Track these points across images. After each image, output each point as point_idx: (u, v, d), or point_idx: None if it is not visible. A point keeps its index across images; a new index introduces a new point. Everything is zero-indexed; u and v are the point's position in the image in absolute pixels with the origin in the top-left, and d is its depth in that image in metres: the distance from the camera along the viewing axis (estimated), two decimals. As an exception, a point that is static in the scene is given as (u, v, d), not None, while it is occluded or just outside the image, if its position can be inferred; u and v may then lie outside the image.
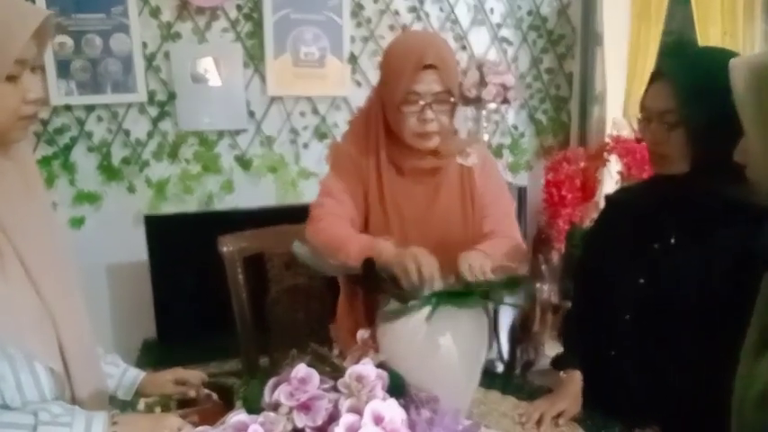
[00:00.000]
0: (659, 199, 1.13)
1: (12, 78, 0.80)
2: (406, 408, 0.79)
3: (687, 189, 1.06)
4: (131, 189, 2.32)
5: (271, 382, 0.77)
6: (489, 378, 1.22)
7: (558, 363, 1.25)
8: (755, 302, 0.83)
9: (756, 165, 0.79)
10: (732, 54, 1.04)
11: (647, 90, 1.09)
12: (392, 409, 0.74)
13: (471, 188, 1.36)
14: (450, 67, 1.26)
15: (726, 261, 1.01)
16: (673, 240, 1.10)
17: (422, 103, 1.23)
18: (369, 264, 1.00)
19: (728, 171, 0.95)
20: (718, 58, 1.01)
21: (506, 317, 2.59)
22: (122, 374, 1.08)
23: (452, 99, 1.25)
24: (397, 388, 0.86)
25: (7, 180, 0.86)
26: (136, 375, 1.10)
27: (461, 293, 0.98)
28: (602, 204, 2.60)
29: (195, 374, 1.10)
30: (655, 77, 1.07)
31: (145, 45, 2.26)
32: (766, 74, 0.74)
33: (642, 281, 1.11)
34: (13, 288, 0.82)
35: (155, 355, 2.16)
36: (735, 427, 0.83)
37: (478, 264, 1.09)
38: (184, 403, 1.06)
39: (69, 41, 2.18)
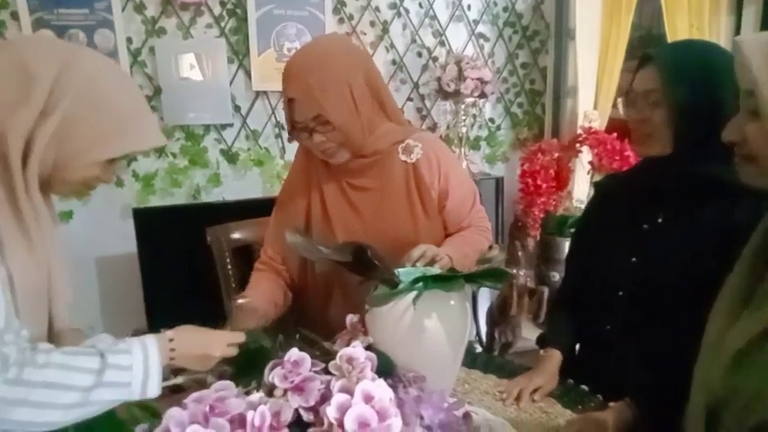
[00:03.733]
0: (646, 182, 1.17)
1: (110, 161, 0.93)
2: (394, 387, 0.83)
3: (672, 170, 1.10)
4: (119, 183, 2.33)
5: (269, 365, 0.81)
6: (471, 358, 1.27)
7: (542, 341, 1.30)
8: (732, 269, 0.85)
9: None
10: (713, 44, 1.13)
11: (634, 74, 1.13)
12: (381, 389, 0.77)
13: (418, 184, 1.32)
14: (316, 93, 1.18)
15: (712, 236, 1.05)
16: (660, 220, 1.14)
17: (305, 129, 1.23)
18: (359, 250, 1.02)
19: (709, 152, 1.00)
20: (700, 46, 1.14)
21: (485, 301, 2.69)
22: None
23: (329, 120, 1.19)
24: (386, 369, 0.90)
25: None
26: None
27: (446, 277, 1.02)
28: (575, 193, 2.72)
29: None
30: (642, 63, 1.12)
31: (130, 40, 2.27)
32: None
33: (634, 260, 1.16)
34: (36, 268, 0.88)
35: (145, 345, 2.20)
36: (699, 392, 0.85)
37: (431, 253, 1.13)
38: (174, 390, 1.06)
39: (52, 36, 2.18)
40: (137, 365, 0.86)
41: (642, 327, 1.15)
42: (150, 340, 0.90)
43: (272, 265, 1.45)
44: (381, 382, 0.80)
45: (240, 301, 1.31)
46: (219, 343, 0.96)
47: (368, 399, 0.75)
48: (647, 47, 2.85)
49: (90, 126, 0.87)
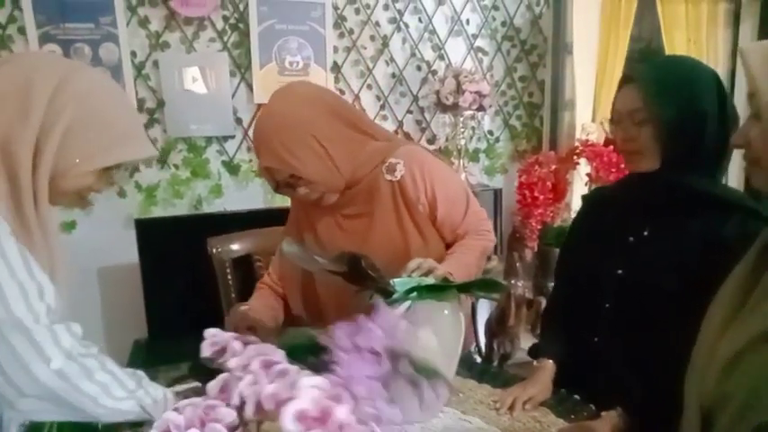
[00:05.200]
0: (633, 195, 1.19)
1: (106, 169, 0.98)
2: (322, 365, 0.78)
3: (659, 184, 1.12)
4: (122, 194, 2.36)
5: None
6: (466, 368, 1.27)
7: (534, 351, 1.31)
8: (726, 277, 0.87)
9: None
10: (690, 59, 1.16)
11: (616, 94, 1.15)
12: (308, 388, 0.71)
13: (406, 201, 1.31)
14: (284, 153, 1.21)
15: (697, 249, 1.07)
16: (646, 233, 1.16)
17: (287, 185, 1.27)
18: (354, 260, 1.04)
19: (696, 165, 1.06)
20: (679, 62, 1.16)
21: (484, 312, 2.70)
22: None
23: (302, 177, 1.23)
24: (305, 349, 0.85)
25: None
26: None
27: (439, 287, 1.05)
28: (572, 205, 2.74)
29: None
30: (623, 82, 1.14)
31: (134, 54, 2.30)
32: None
33: (620, 272, 1.17)
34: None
35: (146, 355, 2.20)
36: (693, 398, 0.86)
37: (427, 266, 1.14)
38: None
39: (58, 50, 2.21)
40: (160, 391, 0.96)
41: (629, 338, 1.16)
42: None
43: (274, 288, 1.49)
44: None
45: (242, 307, 1.34)
46: None
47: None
48: (646, 59, 2.89)
49: (87, 137, 0.91)
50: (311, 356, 0.81)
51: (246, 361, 0.77)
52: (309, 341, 0.86)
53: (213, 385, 0.75)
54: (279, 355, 0.79)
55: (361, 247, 1.29)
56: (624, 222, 1.19)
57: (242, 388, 0.72)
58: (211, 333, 0.85)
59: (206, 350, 0.85)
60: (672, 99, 1.06)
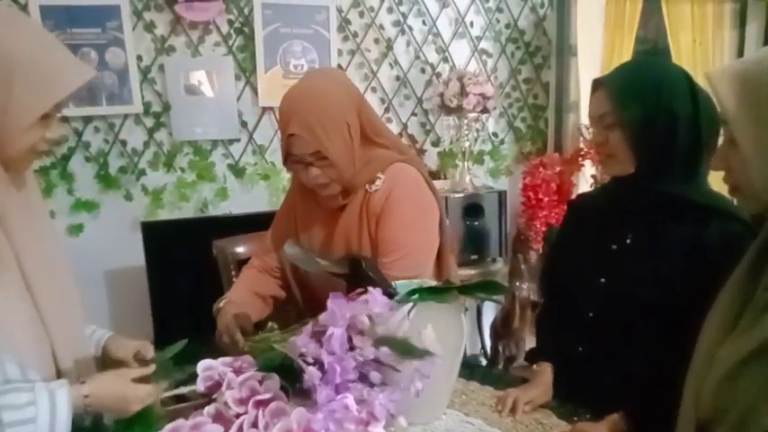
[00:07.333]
0: (614, 201, 1.19)
1: (45, 117, 0.87)
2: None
3: (637, 189, 1.12)
4: (128, 197, 2.38)
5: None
6: (469, 370, 1.29)
7: (531, 356, 1.32)
8: (719, 289, 0.87)
9: (753, 169, 0.77)
10: (662, 62, 1.18)
11: (590, 100, 1.16)
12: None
13: (368, 213, 1.34)
14: (318, 128, 1.22)
15: (680, 256, 1.07)
16: (628, 241, 1.16)
17: (301, 162, 1.27)
18: (355, 263, 1.06)
19: (671, 167, 1.06)
20: (648, 65, 1.17)
21: (489, 314, 2.70)
22: (91, 334, 1.11)
23: (328, 156, 1.24)
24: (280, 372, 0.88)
25: (12, 197, 0.89)
26: (102, 334, 1.11)
27: (441, 289, 1.05)
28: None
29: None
30: (594, 87, 1.15)
31: (140, 58, 2.33)
32: (754, 79, 0.75)
33: (603, 281, 1.17)
34: (9, 297, 0.85)
35: (152, 357, 2.23)
36: (690, 406, 0.86)
37: None
38: (180, 399, 1.06)
39: None
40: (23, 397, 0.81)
41: (612, 348, 1.16)
42: (62, 398, 0.84)
43: (262, 265, 1.50)
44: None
45: (220, 304, 1.35)
46: (136, 398, 0.93)
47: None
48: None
49: (10, 91, 0.81)
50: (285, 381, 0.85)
51: (240, 395, 0.80)
52: (282, 361, 0.89)
53: (209, 412, 0.76)
54: (270, 383, 0.81)
55: (326, 237, 1.36)
56: (607, 230, 1.19)
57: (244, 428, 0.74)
58: (204, 366, 0.88)
59: (200, 386, 0.85)
60: (637, 101, 1.06)
